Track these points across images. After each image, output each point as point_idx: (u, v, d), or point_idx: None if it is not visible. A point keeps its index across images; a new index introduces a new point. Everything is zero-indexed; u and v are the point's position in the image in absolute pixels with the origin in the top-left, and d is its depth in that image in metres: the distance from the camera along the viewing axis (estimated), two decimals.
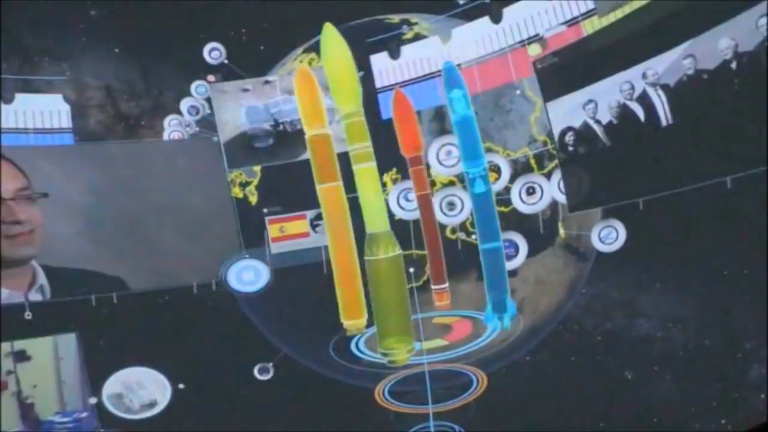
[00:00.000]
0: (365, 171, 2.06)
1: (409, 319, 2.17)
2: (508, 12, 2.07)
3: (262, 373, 2.20)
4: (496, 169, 2.14)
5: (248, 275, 2.14)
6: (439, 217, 2.18)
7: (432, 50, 2.10)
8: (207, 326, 2.14)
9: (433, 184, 2.16)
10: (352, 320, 2.14)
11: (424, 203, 2.18)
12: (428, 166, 2.15)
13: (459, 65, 2.09)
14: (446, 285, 2.22)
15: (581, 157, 2.09)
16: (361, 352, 2.25)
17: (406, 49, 2.10)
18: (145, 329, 2.10)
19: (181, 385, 2.15)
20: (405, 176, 2.17)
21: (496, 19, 2.06)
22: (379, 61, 2.11)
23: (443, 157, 2.14)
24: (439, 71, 2.10)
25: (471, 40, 2.09)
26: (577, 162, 2.10)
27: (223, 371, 2.18)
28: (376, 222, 2.09)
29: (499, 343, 2.25)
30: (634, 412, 2.21)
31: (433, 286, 2.22)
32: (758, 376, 2.09)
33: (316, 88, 2.06)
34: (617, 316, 2.18)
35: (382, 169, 2.12)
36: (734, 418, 2.13)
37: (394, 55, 2.08)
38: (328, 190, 2.06)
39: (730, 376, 2.12)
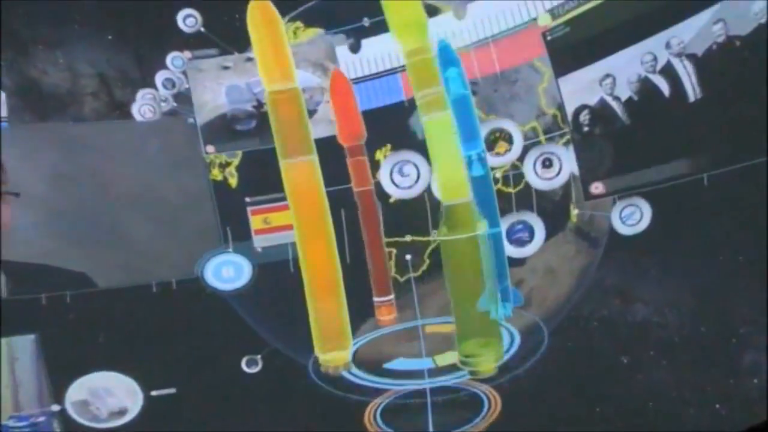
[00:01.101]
0: (438, 123, 1.80)
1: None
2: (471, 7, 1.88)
3: (250, 365, 2.01)
4: (507, 138, 1.92)
5: (228, 271, 1.95)
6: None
7: (393, 45, 1.90)
8: (184, 325, 1.96)
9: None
10: (332, 352, 1.89)
11: (365, 201, 1.90)
12: None
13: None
14: (392, 297, 1.97)
15: (598, 138, 1.91)
16: (352, 374, 2.02)
17: (366, 43, 1.90)
18: (113, 330, 1.93)
19: (154, 392, 1.96)
20: (396, 147, 1.93)
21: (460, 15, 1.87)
22: (343, 54, 1.91)
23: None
24: (402, 67, 1.89)
25: (436, 34, 1.89)
26: (594, 143, 1.92)
27: (201, 378, 2.00)
28: (454, 190, 1.84)
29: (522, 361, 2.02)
30: (629, 397, 2.03)
31: (375, 299, 1.97)
32: (752, 363, 1.95)
33: (280, 27, 1.80)
34: (615, 302, 1.99)
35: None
36: (728, 404, 1.98)
37: (354, 48, 1.89)
38: (297, 167, 1.77)
39: (725, 362, 1.97)
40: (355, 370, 1.99)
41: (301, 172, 1.79)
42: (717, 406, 1.99)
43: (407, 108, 1.92)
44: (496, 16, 1.88)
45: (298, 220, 1.83)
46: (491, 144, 1.92)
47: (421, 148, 1.93)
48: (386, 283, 1.97)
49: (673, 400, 2.02)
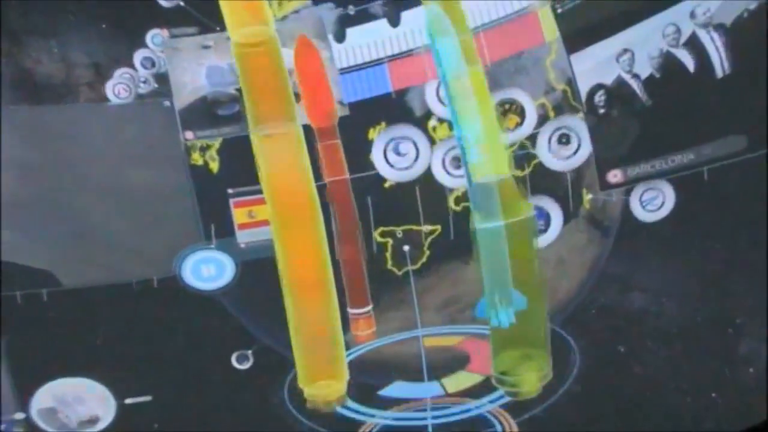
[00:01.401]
0: (468, 78, 1.63)
1: (545, 323, 1.72)
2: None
3: (240, 360, 1.86)
4: (518, 111, 1.77)
5: (208, 269, 1.80)
6: (443, 178, 1.79)
7: (380, 34, 1.77)
8: (164, 326, 1.83)
9: (433, 141, 1.79)
10: (322, 381, 1.67)
11: (341, 193, 1.69)
12: (429, 115, 1.77)
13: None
14: (370, 308, 1.78)
15: (616, 120, 1.78)
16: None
17: (351, 32, 1.78)
18: (82, 333, 1.80)
19: (128, 400, 1.83)
20: (390, 121, 1.77)
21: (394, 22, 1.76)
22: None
23: (444, 95, 1.78)
24: (388, 57, 1.77)
25: (422, 26, 1.76)
26: (611, 127, 1.79)
27: (181, 383, 1.86)
28: (492, 163, 1.67)
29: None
30: (625, 386, 1.90)
31: (351, 310, 1.77)
32: (749, 352, 1.88)
33: None
34: (614, 291, 1.87)
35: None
36: (724, 393, 1.89)
37: (339, 38, 1.77)
38: (273, 139, 1.52)
39: (721, 351, 1.89)
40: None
41: (278, 145, 1.53)
42: (713, 394, 1.90)
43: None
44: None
45: (275, 210, 1.61)
46: (499, 118, 1.77)
47: (419, 122, 1.79)
48: (363, 291, 1.79)
49: (670, 388, 1.90)
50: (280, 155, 1.54)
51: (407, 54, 1.78)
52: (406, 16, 1.77)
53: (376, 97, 1.78)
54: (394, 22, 1.77)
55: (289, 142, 1.55)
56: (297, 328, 1.62)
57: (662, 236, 1.81)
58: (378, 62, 1.78)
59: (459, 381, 1.85)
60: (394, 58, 1.78)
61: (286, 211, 1.61)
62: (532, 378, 1.74)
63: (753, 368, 1.87)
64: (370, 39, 1.77)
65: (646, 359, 1.89)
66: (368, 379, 1.83)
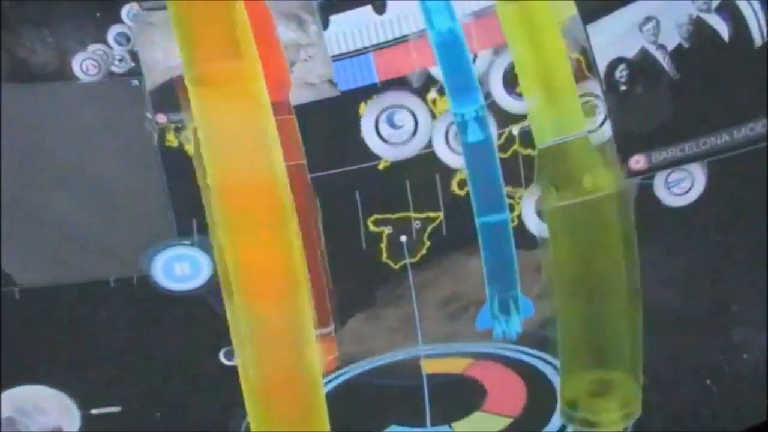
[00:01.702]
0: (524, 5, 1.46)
1: (635, 338, 1.50)
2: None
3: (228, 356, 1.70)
4: None
5: (182, 267, 1.66)
6: (445, 156, 1.62)
7: (364, 21, 1.66)
8: (125, 331, 1.70)
9: (434, 116, 1.64)
10: None
11: (295, 182, 1.43)
12: (428, 86, 1.62)
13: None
14: (331, 328, 1.57)
15: (639, 98, 1.65)
16: None
17: (335, 20, 1.67)
18: (40, 337, 1.68)
19: (94, 411, 1.70)
20: (382, 89, 1.62)
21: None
22: None
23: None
24: (373, 46, 1.65)
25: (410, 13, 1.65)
26: (634, 106, 1.65)
27: (145, 396, 1.73)
28: (559, 120, 1.52)
29: None
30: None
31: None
32: (743, 339, 1.79)
33: None
34: None
35: None
36: (718, 379, 1.79)
37: (322, 25, 1.69)
38: (212, 80, 1.13)
39: (716, 339, 1.78)
40: None
41: (219, 91, 1.09)
42: (708, 381, 1.79)
43: None
44: None
45: (218, 195, 1.25)
46: (512, 81, 1.61)
47: (418, 90, 1.64)
48: (324, 307, 1.58)
49: (665, 376, 1.74)
50: (223, 107, 1.14)
51: (394, 43, 1.67)
52: (393, 3, 1.66)
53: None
54: (380, 9, 1.67)
55: (237, 84, 1.15)
56: (252, 361, 1.21)
57: (683, 222, 1.67)
58: (363, 51, 1.68)
59: (475, 426, 1.62)
60: (379, 47, 1.68)
61: (234, 197, 1.28)
62: (611, 413, 1.47)
63: (747, 354, 1.77)
64: (355, 27, 1.66)
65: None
66: (353, 422, 1.59)
